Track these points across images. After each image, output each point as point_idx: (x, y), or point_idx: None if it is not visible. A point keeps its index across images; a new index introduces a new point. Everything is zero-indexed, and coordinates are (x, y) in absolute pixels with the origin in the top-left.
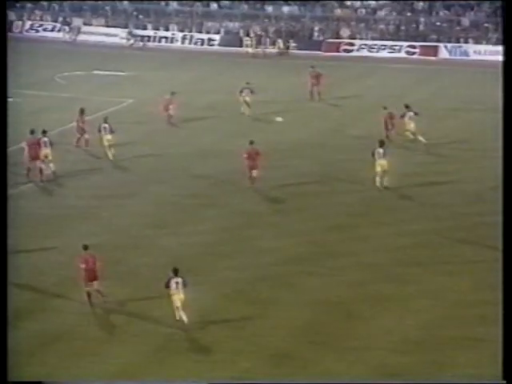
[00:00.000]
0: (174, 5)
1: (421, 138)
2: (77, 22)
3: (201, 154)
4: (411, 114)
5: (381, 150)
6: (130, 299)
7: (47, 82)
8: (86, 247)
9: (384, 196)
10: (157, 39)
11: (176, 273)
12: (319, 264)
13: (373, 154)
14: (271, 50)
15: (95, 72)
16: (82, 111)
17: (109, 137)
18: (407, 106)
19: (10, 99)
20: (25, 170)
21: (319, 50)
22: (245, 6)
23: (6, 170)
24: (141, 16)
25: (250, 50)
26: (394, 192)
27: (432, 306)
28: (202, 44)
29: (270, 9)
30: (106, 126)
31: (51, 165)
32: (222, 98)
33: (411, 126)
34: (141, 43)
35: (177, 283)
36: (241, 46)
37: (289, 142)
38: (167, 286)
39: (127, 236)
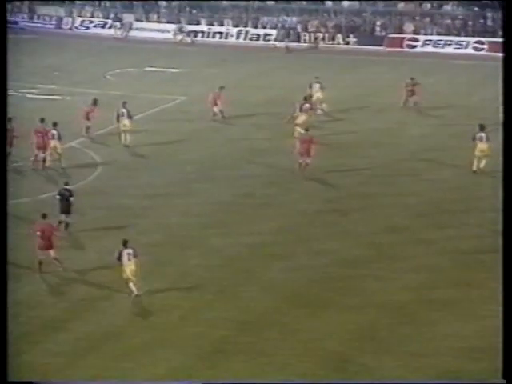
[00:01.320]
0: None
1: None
2: (128, 18)
3: (255, 151)
4: (483, 135)
5: (483, 134)
6: (182, 300)
7: (98, 79)
8: (44, 215)
9: (447, 198)
10: (210, 34)
11: (125, 244)
12: (378, 267)
13: (474, 139)
14: (330, 45)
15: (147, 69)
16: (94, 102)
17: (126, 122)
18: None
19: (59, 97)
20: (32, 158)
21: (381, 45)
22: (303, 1)
23: (6, 171)
24: (194, 11)
25: (307, 44)
26: (460, 193)
27: (498, 312)
28: (258, 39)
29: (329, 3)
30: (124, 111)
31: (62, 160)
32: (280, 94)
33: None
34: (188, 39)
35: (128, 254)
36: (298, 41)
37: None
38: (119, 258)
39: (178, 236)
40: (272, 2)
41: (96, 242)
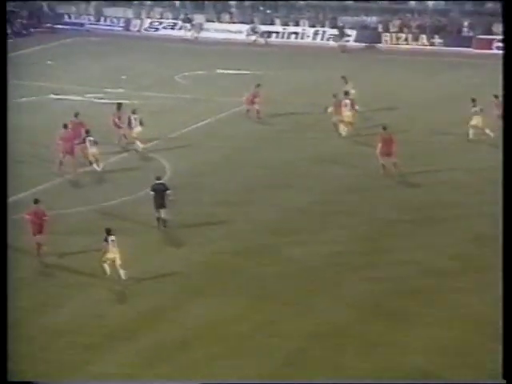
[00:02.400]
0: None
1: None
2: (199, 18)
3: (330, 157)
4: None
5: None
6: (255, 310)
7: (166, 82)
8: (35, 201)
9: None
10: (285, 35)
11: (109, 232)
12: (464, 279)
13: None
14: (414, 46)
15: (218, 71)
16: (118, 107)
17: (139, 129)
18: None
19: (127, 101)
20: (57, 164)
21: (469, 46)
22: (384, 0)
23: (6, 172)
24: (268, 11)
25: (388, 46)
26: None
27: None
28: (336, 40)
29: (412, 2)
30: (136, 117)
31: (100, 164)
32: (359, 97)
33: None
34: (262, 39)
35: (112, 241)
36: (379, 42)
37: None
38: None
39: (250, 244)
40: (351, 1)
41: (165, 249)
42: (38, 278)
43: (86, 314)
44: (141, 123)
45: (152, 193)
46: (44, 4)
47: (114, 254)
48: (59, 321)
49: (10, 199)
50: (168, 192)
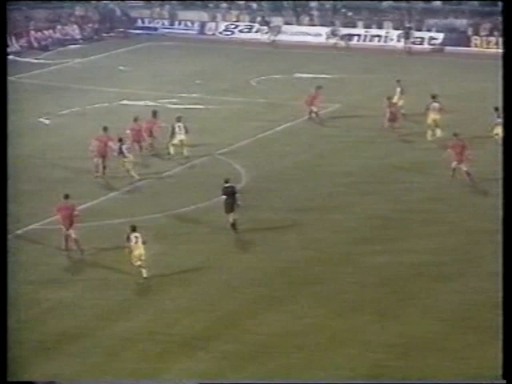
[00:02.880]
0: (390, 1)
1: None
2: (277, 21)
3: (413, 164)
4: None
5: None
6: (334, 320)
7: (242, 86)
8: (66, 196)
9: None
10: (368, 38)
11: (134, 229)
12: None
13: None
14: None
15: (296, 75)
16: (154, 114)
17: (183, 137)
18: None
19: (201, 106)
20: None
21: None
22: (474, 2)
23: (6, 173)
24: (350, 13)
25: (477, 49)
26: None
27: None
28: (422, 43)
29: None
30: (181, 125)
31: (132, 173)
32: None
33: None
34: (342, 42)
35: (136, 237)
36: (468, 45)
37: None
38: (128, 239)
39: (329, 252)
40: (438, 3)
41: (238, 256)
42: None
43: (158, 321)
44: (186, 131)
45: (224, 197)
46: (117, 8)
47: (139, 250)
48: (131, 328)
49: (80, 207)
50: (236, 196)
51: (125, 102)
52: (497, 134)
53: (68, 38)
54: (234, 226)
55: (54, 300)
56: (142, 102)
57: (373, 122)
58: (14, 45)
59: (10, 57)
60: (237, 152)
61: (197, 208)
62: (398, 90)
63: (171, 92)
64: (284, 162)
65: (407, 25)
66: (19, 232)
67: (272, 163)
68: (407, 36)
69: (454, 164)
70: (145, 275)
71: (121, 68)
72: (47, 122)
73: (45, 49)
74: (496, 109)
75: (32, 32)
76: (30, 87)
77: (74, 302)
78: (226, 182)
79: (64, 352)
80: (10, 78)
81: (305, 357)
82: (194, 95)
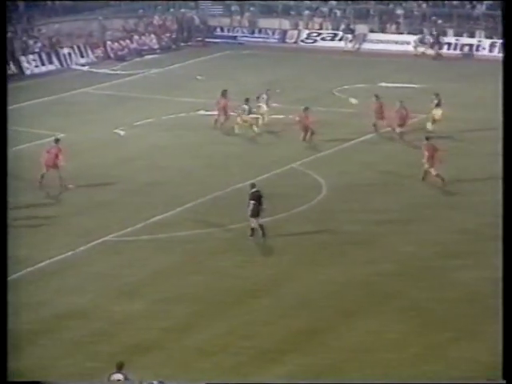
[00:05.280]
0: (483, 8)
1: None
2: (361, 29)
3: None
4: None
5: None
6: (414, 337)
7: (324, 96)
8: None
9: None
10: (458, 47)
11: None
12: None
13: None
14: None
15: (381, 84)
16: (223, 93)
17: (246, 117)
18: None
19: (281, 116)
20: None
21: None
22: None
23: (6, 173)
24: (440, 21)
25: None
26: None
27: None
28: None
29: None
30: (246, 107)
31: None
32: None
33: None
34: (431, 51)
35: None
36: None
37: None
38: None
39: (412, 266)
40: None
41: (315, 269)
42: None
43: (233, 333)
44: (250, 112)
45: (253, 202)
46: (196, 17)
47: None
48: (204, 340)
49: (154, 219)
50: (262, 200)
51: (201, 112)
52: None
53: (145, 48)
54: (253, 230)
55: (126, 312)
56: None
57: (460, 133)
58: (89, 56)
59: (86, 68)
60: (317, 162)
61: (274, 219)
62: (435, 102)
63: (250, 101)
64: (366, 173)
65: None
66: (98, 241)
67: (354, 174)
68: (437, 41)
69: (425, 167)
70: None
71: (198, 77)
72: (122, 132)
73: (121, 59)
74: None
75: (108, 42)
76: (106, 98)
77: (146, 314)
78: (253, 186)
79: (136, 365)
80: (86, 90)
81: (385, 373)
82: (274, 105)
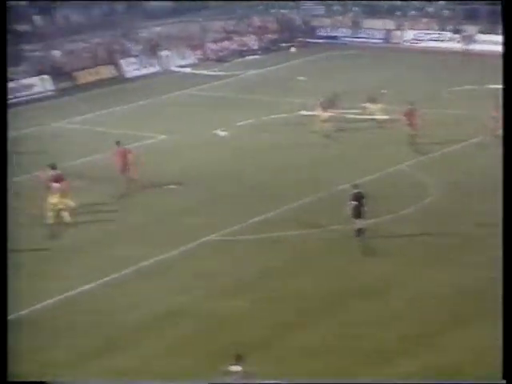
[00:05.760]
0: None
1: None
2: (470, 30)
3: None
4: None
5: None
6: None
7: (433, 97)
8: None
9: None
10: None
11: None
12: None
13: None
14: None
15: (489, 86)
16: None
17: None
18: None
19: (385, 117)
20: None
21: None
22: None
23: (6, 170)
24: None
25: None
26: None
27: None
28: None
29: None
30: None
31: None
32: None
33: None
34: None
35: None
36: None
37: None
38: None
39: None
40: None
41: (422, 271)
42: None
43: (342, 334)
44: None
45: (354, 202)
46: (297, 18)
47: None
48: (310, 340)
49: (257, 218)
50: (363, 201)
51: (303, 112)
52: None
53: (245, 49)
54: (359, 232)
55: (231, 310)
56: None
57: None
58: (189, 57)
59: (186, 69)
60: (424, 164)
61: (380, 221)
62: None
63: (354, 102)
64: (474, 176)
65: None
66: (202, 240)
67: (462, 177)
68: (469, 38)
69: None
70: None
71: (300, 78)
72: (223, 133)
73: (221, 60)
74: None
75: (208, 44)
76: (206, 99)
77: (251, 312)
78: (355, 187)
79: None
80: (186, 91)
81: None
82: (379, 106)
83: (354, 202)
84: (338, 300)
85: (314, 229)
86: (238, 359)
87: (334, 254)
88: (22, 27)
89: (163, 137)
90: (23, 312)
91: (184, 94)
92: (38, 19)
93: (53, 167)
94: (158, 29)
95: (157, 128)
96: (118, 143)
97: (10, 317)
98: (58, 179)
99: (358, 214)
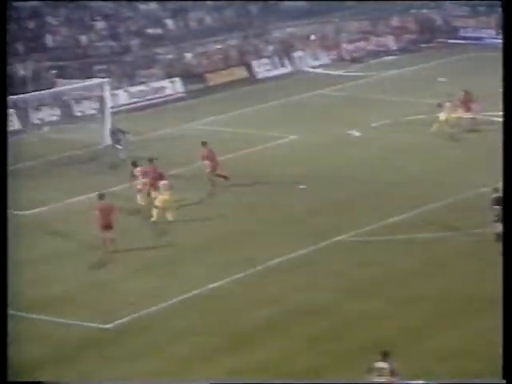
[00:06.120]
0: None
1: None
2: None
3: None
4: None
5: None
6: None
7: None
8: (100, 196)
9: None
10: None
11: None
12: None
13: None
14: None
15: None
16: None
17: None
18: None
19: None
20: None
21: None
22: None
23: (6, 170)
24: None
25: None
26: None
27: None
28: None
29: None
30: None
31: None
32: None
33: None
34: None
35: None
36: None
37: None
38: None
39: None
40: None
41: None
42: None
43: (471, 339)
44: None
45: (496, 207)
46: (438, 18)
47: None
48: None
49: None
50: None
51: (441, 114)
52: None
53: (382, 49)
54: (499, 236)
55: (360, 311)
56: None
57: None
58: (323, 58)
59: (319, 70)
60: None
61: None
62: None
63: (493, 105)
64: None
65: None
66: (333, 241)
67: None
68: None
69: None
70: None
71: (440, 79)
72: (357, 134)
73: (356, 61)
74: None
75: (343, 44)
76: (340, 100)
77: (381, 313)
78: (496, 191)
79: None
80: (319, 92)
81: None
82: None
83: (496, 207)
84: (472, 305)
85: (451, 231)
86: (385, 356)
87: (471, 257)
88: (155, 31)
89: (294, 137)
90: (148, 310)
91: (316, 94)
92: (170, 23)
93: (151, 161)
94: (291, 29)
95: (288, 128)
96: (203, 144)
97: (135, 316)
98: (161, 176)
99: (499, 218)
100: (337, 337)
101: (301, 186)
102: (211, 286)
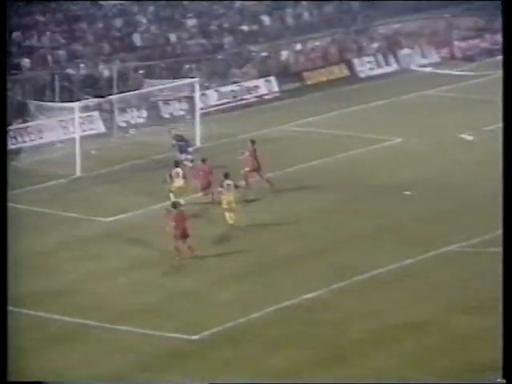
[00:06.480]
0: None
1: None
2: None
3: None
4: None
5: None
6: None
7: None
8: (174, 205)
9: None
10: None
11: (226, 176)
12: None
13: None
14: None
15: None
16: None
17: None
18: None
19: None
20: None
21: None
22: None
23: (6, 170)
24: None
25: None
26: None
27: None
28: None
29: None
30: None
31: None
32: None
33: None
34: None
35: (228, 185)
36: None
37: None
38: (221, 186)
39: None
40: None
41: None
42: None
43: None
44: None
45: None
46: None
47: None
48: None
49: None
50: None
51: None
52: None
53: (497, 47)
54: None
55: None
56: None
57: None
58: (432, 56)
59: (428, 69)
60: None
61: None
62: None
63: None
64: None
65: None
66: (439, 251)
67: None
68: None
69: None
70: (231, 222)
71: None
72: (470, 137)
73: (469, 59)
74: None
75: (455, 42)
76: (450, 101)
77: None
78: None
79: None
80: (428, 92)
81: None
82: None
83: None
84: None
85: None
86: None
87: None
88: (250, 27)
89: (400, 140)
90: (237, 322)
91: (425, 94)
92: (266, 19)
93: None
94: (398, 26)
95: (393, 130)
96: (252, 142)
97: (224, 327)
98: (226, 175)
99: None
100: (441, 354)
101: (406, 193)
102: (306, 296)
